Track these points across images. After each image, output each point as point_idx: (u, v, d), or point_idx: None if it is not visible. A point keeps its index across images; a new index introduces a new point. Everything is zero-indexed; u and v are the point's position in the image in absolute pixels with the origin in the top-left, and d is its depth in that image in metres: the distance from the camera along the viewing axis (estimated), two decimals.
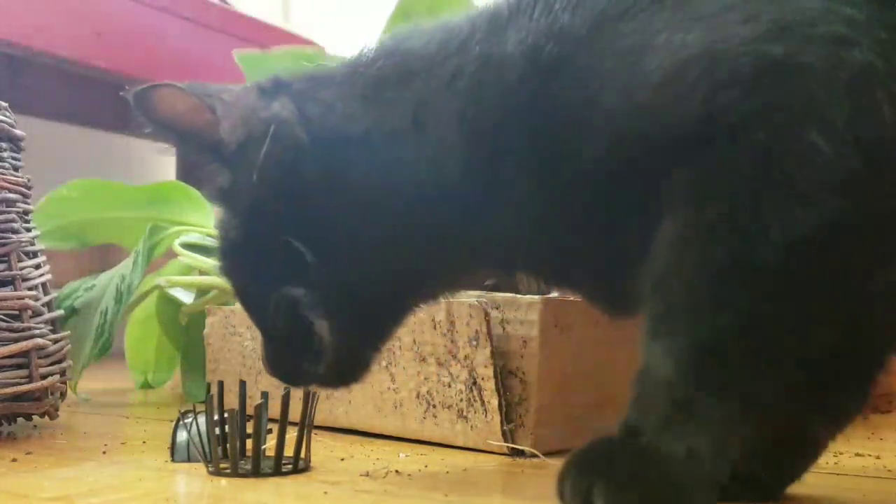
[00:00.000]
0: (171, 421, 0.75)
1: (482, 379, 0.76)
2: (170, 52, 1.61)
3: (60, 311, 0.94)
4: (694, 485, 0.47)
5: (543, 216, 0.54)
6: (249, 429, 0.68)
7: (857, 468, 0.70)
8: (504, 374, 0.76)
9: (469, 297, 0.77)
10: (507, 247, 0.58)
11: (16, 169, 0.90)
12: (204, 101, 0.58)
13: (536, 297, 0.76)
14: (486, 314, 0.76)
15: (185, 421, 0.70)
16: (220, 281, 0.98)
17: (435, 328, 0.79)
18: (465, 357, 0.77)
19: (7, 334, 0.85)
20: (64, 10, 1.46)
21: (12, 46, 1.42)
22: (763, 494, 0.58)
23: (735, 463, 0.49)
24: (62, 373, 0.90)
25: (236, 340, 0.97)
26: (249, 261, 0.61)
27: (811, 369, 0.50)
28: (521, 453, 0.75)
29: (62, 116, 1.68)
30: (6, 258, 0.86)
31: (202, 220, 1.15)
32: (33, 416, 0.90)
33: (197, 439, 0.68)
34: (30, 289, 0.88)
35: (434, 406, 0.80)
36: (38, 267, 0.90)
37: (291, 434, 0.68)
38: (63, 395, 0.92)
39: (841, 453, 0.75)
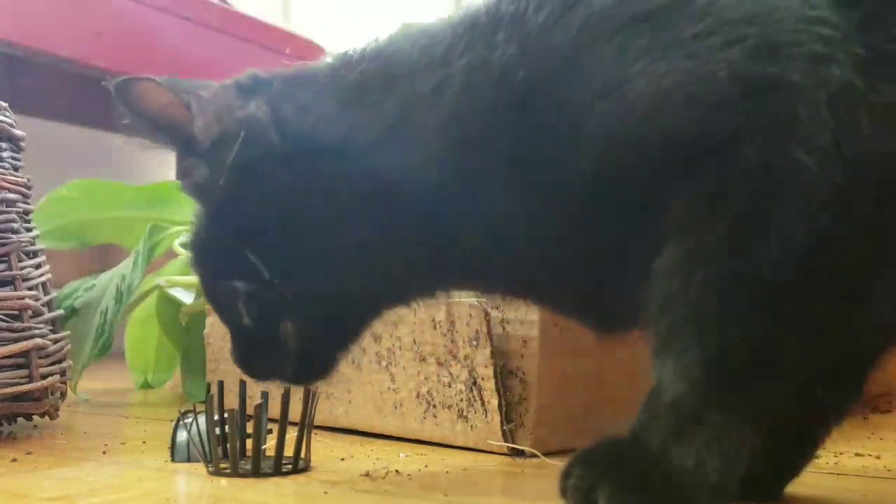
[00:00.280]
0: (171, 421, 0.75)
1: (482, 379, 0.76)
2: (170, 52, 1.61)
3: (60, 311, 0.94)
4: (700, 495, 0.48)
5: (525, 235, 0.55)
6: (249, 429, 0.68)
7: (857, 468, 0.70)
8: (504, 374, 0.76)
9: (469, 297, 0.77)
10: (484, 261, 0.58)
11: (16, 169, 0.90)
12: (180, 97, 0.59)
13: None
14: (486, 314, 0.76)
15: (185, 421, 0.70)
16: None
17: (435, 328, 0.79)
18: (465, 357, 0.77)
19: (7, 334, 0.85)
20: (64, 10, 1.46)
21: (12, 46, 1.42)
22: (763, 493, 0.58)
23: None
24: (62, 373, 0.90)
25: None
26: (215, 258, 0.62)
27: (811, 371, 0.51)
28: (521, 453, 0.75)
29: (62, 116, 1.68)
30: (6, 258, 0.86)
31: None
32: (33, 416, 0.90)
33: (197, 439, 0.68)
34: (30, 289, 0.88)
35: (434, 406, 0.80)
36: (38, 267, 0.90)
37: (291, 434, 0.68)
38: (63, 395, 0.92)
39: (841, 453, 0.75)
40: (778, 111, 0.46)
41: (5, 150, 0.89)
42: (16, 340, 0.85)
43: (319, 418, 0.80)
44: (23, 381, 0.85)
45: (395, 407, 0.83)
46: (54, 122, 1.66)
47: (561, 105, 0.51)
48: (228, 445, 0.67)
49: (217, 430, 0.68)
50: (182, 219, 1.16)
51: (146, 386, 1.29)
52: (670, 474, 0.48)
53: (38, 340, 0.86)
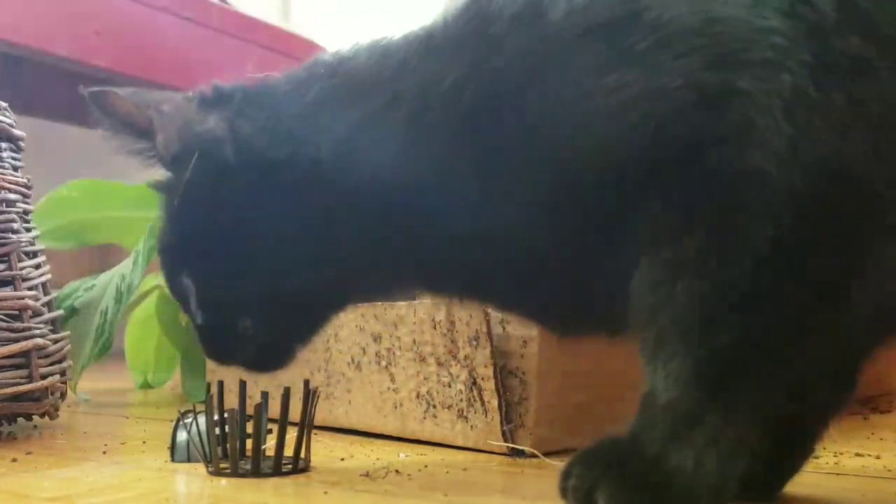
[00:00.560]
0: (171, 421, 0.75)
1: (482, 379, 0.76)
2: (170, 52, 1.61)
3: (60, 311, 0.94)
4: (700, 496, 0.48)
5: (479, 250, 0.56)
6: (249, 429, 0.68)
7: (857, 468, 0.70)
8: (504, 374, 0.76)
9: None
10: (441, 269, 0.59)
11: (16, 169, 0.90)
12: (143, 112, 0.61)
13: None
14: (486, 314, 0.76)
15: (185, 421, 0.70)
16: None
17: (435, 328, 0.79)
18: (465, 357, 0.77)
19: (7, 334, 0.85)
20: (64, 9, 1.46)
21: (12, 46, 1.42)
22: (763, 492, 0.59)
23: None
24: (62, 373, 0.90)
25: None
26: (173, 257, 0.65)
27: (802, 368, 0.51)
28: (521, 453, 0.75)
29: (62, 116, 1.68)
30: (6, 258, 0.86)
31: None
32: (33, 416, 0.90)
33: (197, 439, 0.68)
34: (30, 289, 0.88)
35: (434, 406, 0.80)
36: (38, 267, 0.90)
37: (291, 434, 0.68)
38: (63, 395, 0.92)
39: (841, 453, 0.75)
40: (734, 119, 0.47)
41: (5, 150, 0.89)
42: (16, 340, 0.85)
43: (319, 418, 0.80)
44: (23, 381, 0.85)
45: (395, 407, 0.83)
46: (54, 122, 1.66)
47: (512, 126, 0.52)
48: (228, 445, 0.67)
49: (217, 430, 0.68)
50: None
51: (146, 386, 1.29)
52: (670, 475, 0.48)
53: (38, 340, 0.86)
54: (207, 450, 0.68)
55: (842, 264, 0.48)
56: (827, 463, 0.71)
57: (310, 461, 0.70)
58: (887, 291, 0.50)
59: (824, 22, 0.47)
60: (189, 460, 0.72)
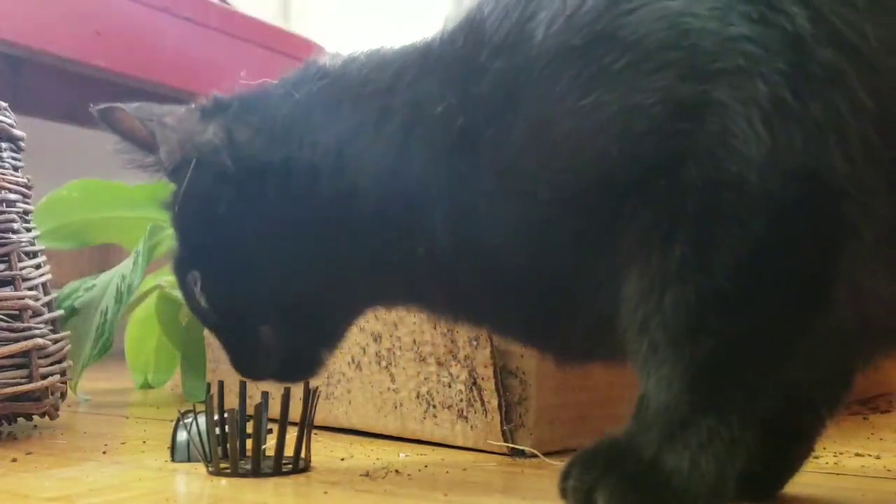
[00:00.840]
0: (171, 421, 0.75)
1: (482, 379, 0.76)
2: (170, 52, 1.61)
3: (60, 311, 0.94)
4: (698, 496, 0.48)
5: (466, 268, 0.57)
6: (249, 429, 0.68)
7: (857, 468, 0.70)
8: (504, 374, 0.76)
9: None
10: (436, 286, 0.60)
11: (16, 169, 0.90)
12: (146, 125, 0.63)
13: None
14: None
15: (185, 421, 0.70)
16: None
17: (435, 328, 0.79)
18: (465, 357, 0.77)
19: (7, 334, 0.85)
20: (64, 10, 1.45)
21: (12, 46, 1.42)
22: (762, 492, 0.59)
23: None
24: (62, 373, 0.90)
25: None
26: (182, 264, 0.65)
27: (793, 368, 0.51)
28: (521, 453, 0.75)
29: (62, 116, 1.68)
30: (6, 258, 0.86)
31: None
32: (33, 416, 0.90)
33: (197, 439, 0.68)
34: (30, 289, 0.88)
35: (434, 406, 0.80)
36: (38, 267, 0.90)
37: (291, 434, 0.68)
38: (63, 395, 0.92)
39: (841, 453, 0.75)
40: (711, 129, 0.47)
41: (5, 150, 0.89)
42: (16, 340, 0.85)
43: (319, 418, 0.80)
44: (23, 381, 0.85)
45: (395, 407, 0.83)
46: (54, 122, 1.66)
47: (499, 149, 0.53)
48: (228, 445, 0.67)
49: (217, 430, 0.68)
50: None
51: (146, 386, 1.29)
52: (668, 476, 0.48)
53: (38, 340, 0.86)
54: (207, 450, 0.68)
55: (820, 267, 0.49)
56: (827, 463, 0.71)
57: (310, 461, 0.70)
58: (872, 299, 0.51)
59: (800, 32, 0.47)
60: (189, 460, 0.72)
